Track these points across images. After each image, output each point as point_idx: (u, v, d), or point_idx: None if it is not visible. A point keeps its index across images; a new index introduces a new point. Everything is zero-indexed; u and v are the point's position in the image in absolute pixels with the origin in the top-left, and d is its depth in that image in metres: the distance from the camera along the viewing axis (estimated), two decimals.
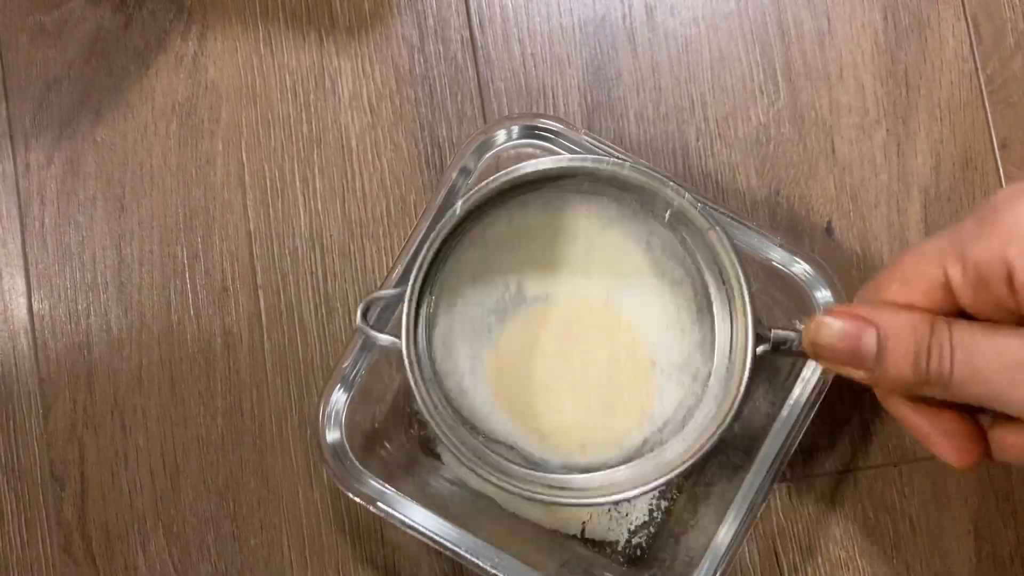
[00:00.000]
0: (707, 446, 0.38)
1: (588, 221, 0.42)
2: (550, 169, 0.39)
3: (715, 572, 0.41)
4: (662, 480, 0.38)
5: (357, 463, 0.43)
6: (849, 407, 0.48)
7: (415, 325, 0.39)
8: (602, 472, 0.41)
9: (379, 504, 0.42)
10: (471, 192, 0.39)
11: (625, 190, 0.41)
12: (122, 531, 0.49)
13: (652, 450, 0.41)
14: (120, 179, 0.51)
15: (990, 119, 0.49)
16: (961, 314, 0.33)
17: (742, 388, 0.38)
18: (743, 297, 0.38)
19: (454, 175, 0.43)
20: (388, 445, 0.47)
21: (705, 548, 0.42)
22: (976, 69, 0.49)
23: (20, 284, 0.50)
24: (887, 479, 0.48)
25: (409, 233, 0.43)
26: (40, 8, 0.51)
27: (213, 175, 0.51)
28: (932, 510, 0.48)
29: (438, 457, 0.48)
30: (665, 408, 0.42)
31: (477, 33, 0.50)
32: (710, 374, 0.40)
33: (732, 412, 0.38)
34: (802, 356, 0.37)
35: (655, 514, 0.48)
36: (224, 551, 0.49)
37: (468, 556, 0.42)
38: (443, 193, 0.43)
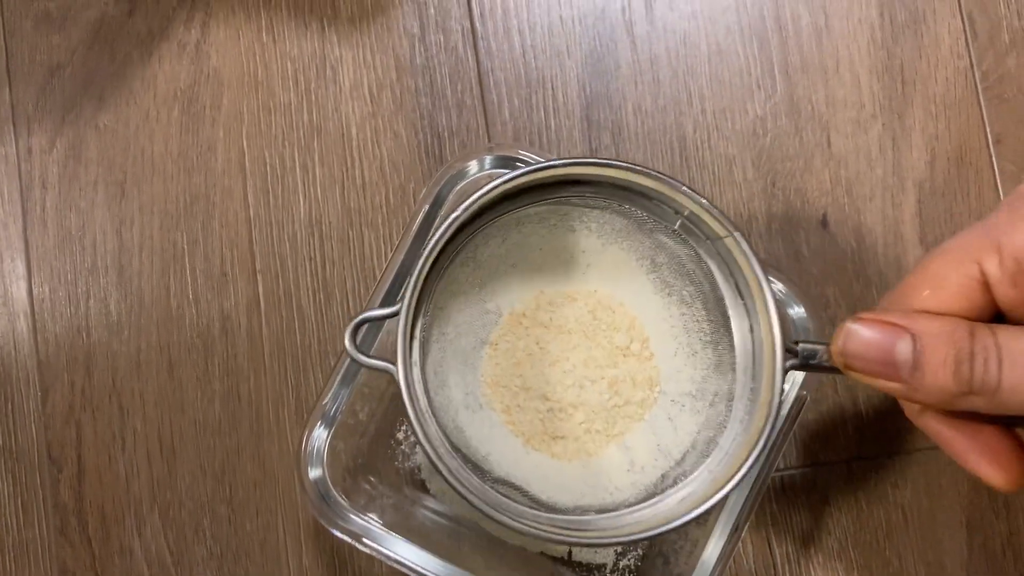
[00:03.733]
0: (740, 475, 0.35)
1: (588, 239, 0.41)
2: (554, 174, 0.37)
3: None
4: (691, 516, 0.35)
5: (341, 499, 0.43)
6: (843, 398, 0.49)
7: (410, 348, 0.37)
8: (620, 512, 0.38)
9: (365, 540, 0.42)
10: (470, 199, 0.37)
11: (630, 199, 0.39)
12: (118, 514, 0.49)
13: (675, 484, 0.38)
14: (122, 165, 0.51)
15: (985, 115, 0.50)
16: (998, 319, 0.31)
17: (773, 408, 0.35)
18: (767, 310, 0.36)
19: (427, 206, 0.43)
20: (372, 477, 0.47)
21: (694, 568, 0.42)
22: (971, 65, 0.50)
23: (20, 267, 0.51)
24: (880, 470, 0.48)
25: (385, 263, 0.43)
26: None
27: (214, 162, 0.51)
28: (924, 501, 0.48)
29: (423, 486, 0.48)
30: (681, 439, 0.40)
31: (478, 24, 0.51)
32: (731, 396, 0.38)
33: (764, 436, 0.35)
34: (832, 371, 0.35)
35: None
36: (220, 535, 0.49)
37: None
38: (415, 224, 0.42)
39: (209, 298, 0.50)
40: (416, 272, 0.36)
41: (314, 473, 0.43)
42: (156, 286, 0.50)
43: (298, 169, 0.51)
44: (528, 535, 0.36)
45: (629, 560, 0.47)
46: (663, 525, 0.36)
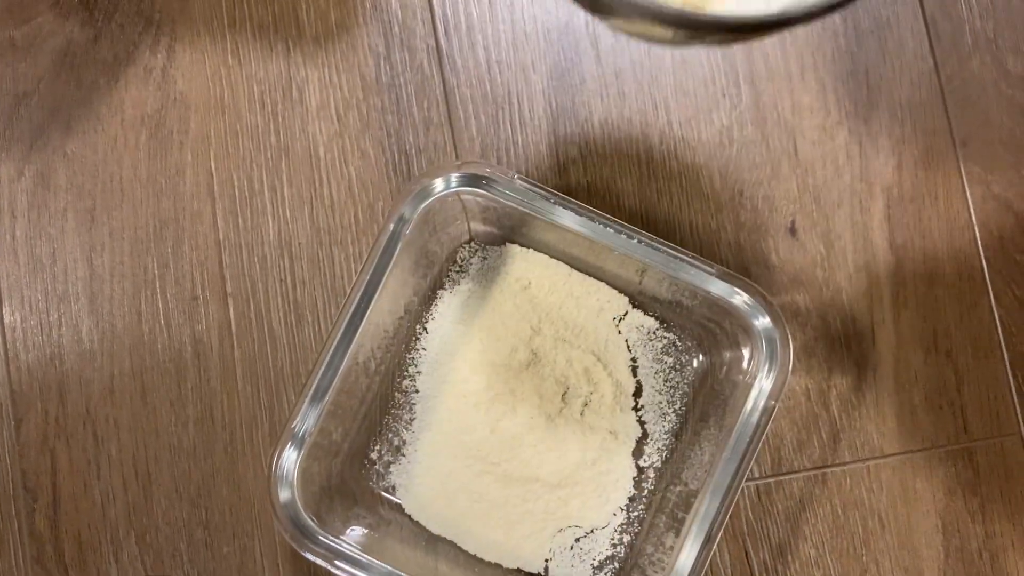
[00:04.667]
0: None
1: None
2: None
3: None
4: None
5: (311, 521, 0.42)
6: (816, 406, 0.49)
7: None
8: None
9: (337, 563, 0.42)
10: None
11: None
12: (95, 541, 0.49)
13: None
14: (91, 191, 0.51)
15: (950, 118, 0.50)
16: None
17: None
18: None
19: (391, 225, 0.43)
20: (347, 498, 0.47)
21: None
22: (935, 68, 0.50)
23: None
24: (855, 477, 0.48)
25: (353, 281, 0.44)
26: (9, 23, 0.52)
27: (183, 185, 0.51)
28: (900, 507, 0.48)
29: (399, 508, 0.48)
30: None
31: (443, 41, 0.51)
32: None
33: None
34: None
35: (618, 548, 0.47)
36: (196, 559, 0.49)
37: None
38: (383, 242, 0.43)
39: (181, 322, 0.50)
40: None
41: (284, 496, 0.43)
42: (128, 312, 0.50)
43: (267, 190, 0.51)
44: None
45: (606, 574, 0.47)
46: None
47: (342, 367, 0.43)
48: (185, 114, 0.51)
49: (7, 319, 0.51)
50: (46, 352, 0.50)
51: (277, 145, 0.51)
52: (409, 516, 0.48)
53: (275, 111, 0.51)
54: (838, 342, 0.49)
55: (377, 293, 0.44)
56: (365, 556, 0.42)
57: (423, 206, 0.44)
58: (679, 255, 0.42)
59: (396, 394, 0.49)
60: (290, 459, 0.43)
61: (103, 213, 0.51)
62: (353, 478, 0.48)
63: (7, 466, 0.50)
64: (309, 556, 0.42)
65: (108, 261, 0.51)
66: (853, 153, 0.50)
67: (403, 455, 0.48)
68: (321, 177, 0.51)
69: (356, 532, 0.45)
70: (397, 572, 0.42)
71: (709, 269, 0.42)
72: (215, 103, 0.51)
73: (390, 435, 0.49)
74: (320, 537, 0.42)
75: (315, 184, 0.51)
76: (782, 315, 0.42)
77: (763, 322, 0.42)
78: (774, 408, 0.42)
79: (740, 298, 0.42)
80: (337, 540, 0.42)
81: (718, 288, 0.42)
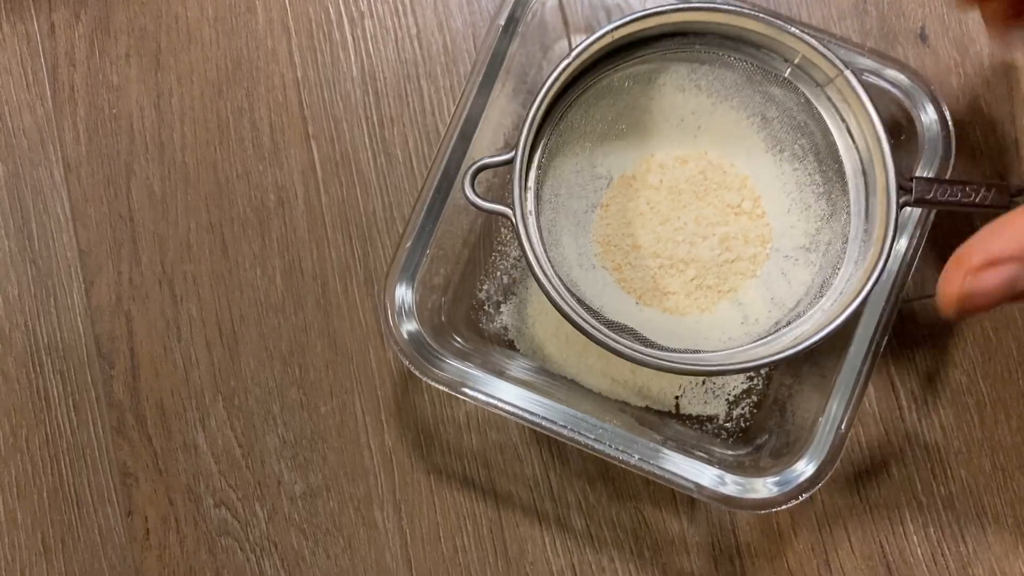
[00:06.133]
0: (850, 309, 0.35)
1: (698, 99, 0.40)
2: (661, 22, 0.37)
3: (838, 426, 0.38)
4: (796, 351, 0.35)
5: (437, 348, 0.39)
6: (961, 227, 0.45)
7: (525, 191, 0.37)
8: (733, 350, 0.38)
9: (464, 389, 0.39)
10: (580, 46, 0.36)
11: (739, 49, 0.38)
12: (178, 408, 0.45)
13: (787, 325, 0.38)
14: (154, 34, 0.47)
15: None
16: None
17: (887, 244, 0.35)
18: (880, 147, 0.36)
19: (493, 41, 0.39)
20: (458, 338, 0.43)
21: (816, 413, 0.38)
22: None
23: (52, 152, 0.47)
24: None
25: (452, 112, 0.40)
26: None
27: (254, 23, 0.47)
28: None
29: (511, 345, 0.44)
30: (795, 290, 0.39)
31: None
32: (846, 238, 0.38)
33: (878, 268, 0.35)
34: (947, 205, 0.35)
35: (755, 381, 0.44)
36: (292, 421, 0.45)
37: (567, 432, 0.39)
38: (484, 61, 0.39)
39: (261, 169, 0.46)
40: (528, 119, 0.36)
41: (409, 327, 0.39)
42: (202, 160, 0.46)
43: (346, 22, 0.47)
44: (649, 365, 0.35)
45: (743, 409, 0.43)
46: (774, 356, 0.36)
47: (445, 207, 0.39)
48: None
49: (71, 176, 0.47)
50: (115, 209, 0.46)
51: None
52: (524, 356, 0.44)
53: None
54: (979, 152, 0.45)
55: (479, 124, 0.40)
56: (496, 378, 0.38)
57: (526, 11, 0.40)
58: (828, 32, 0.38)
59: (502, 231, 0.45)
60: (405, 293, 0.39)
61: (169, 56, 0.47)
62: (460, 320, 0.44)
63: (79, 332, 0.46)
64: (437, 385, 0.38)
65: (177, 108, 0.47)
66: None
67: (513, 294, 0.44)
68: (405, 4, 0.47)
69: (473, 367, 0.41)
70: (530, 393, 0.38)
71: (859, 48, 0.39)
72: None
73: (498, 274, 0.44)
74: (449, 363, 0.38)
75: (399, 12, 0.47)
76: (942, 100, 0.38)
77: (928, 117, 0.38)
78: (926, 233, 0.38)
79: (894, 75, 0.38)
80: (465, 364, 0.38)
81: (868, 64, 0.38)
